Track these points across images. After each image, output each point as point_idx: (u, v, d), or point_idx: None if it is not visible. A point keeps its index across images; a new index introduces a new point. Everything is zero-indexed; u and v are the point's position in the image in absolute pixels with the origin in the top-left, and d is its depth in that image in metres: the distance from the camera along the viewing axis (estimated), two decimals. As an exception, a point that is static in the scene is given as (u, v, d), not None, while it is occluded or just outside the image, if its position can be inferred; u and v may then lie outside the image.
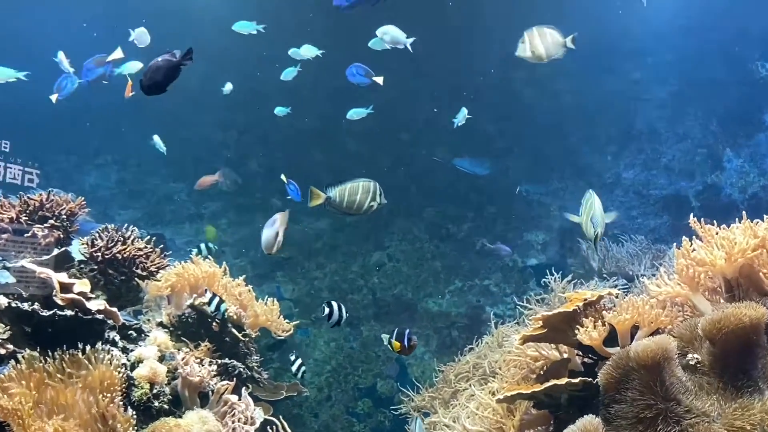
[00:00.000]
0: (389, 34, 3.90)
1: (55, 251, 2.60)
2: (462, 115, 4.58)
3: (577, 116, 6.64)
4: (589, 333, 2.08)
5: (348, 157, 6.44)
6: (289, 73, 4.77)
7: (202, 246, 4.35)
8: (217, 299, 2.75)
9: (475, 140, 6.65)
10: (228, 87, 4.92)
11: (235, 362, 2.78)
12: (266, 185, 6.58)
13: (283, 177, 3.94)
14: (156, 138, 4.78)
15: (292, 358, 3.48)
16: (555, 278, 3.95)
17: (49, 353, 2.08)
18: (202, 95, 6.72)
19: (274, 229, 3.27)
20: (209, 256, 3.19)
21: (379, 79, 4.18)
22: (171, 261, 2.95)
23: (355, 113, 4.75)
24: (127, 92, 3.56)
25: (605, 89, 6.68)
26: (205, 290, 2.81)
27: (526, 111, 6.66)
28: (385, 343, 2.86)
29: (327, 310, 2.93)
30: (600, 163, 6.63)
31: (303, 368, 3.53)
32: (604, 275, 4.74)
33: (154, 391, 2.27)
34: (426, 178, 6.56)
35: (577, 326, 2.14)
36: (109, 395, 2.04)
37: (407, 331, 2.85)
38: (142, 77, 2.22)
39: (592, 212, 2.93)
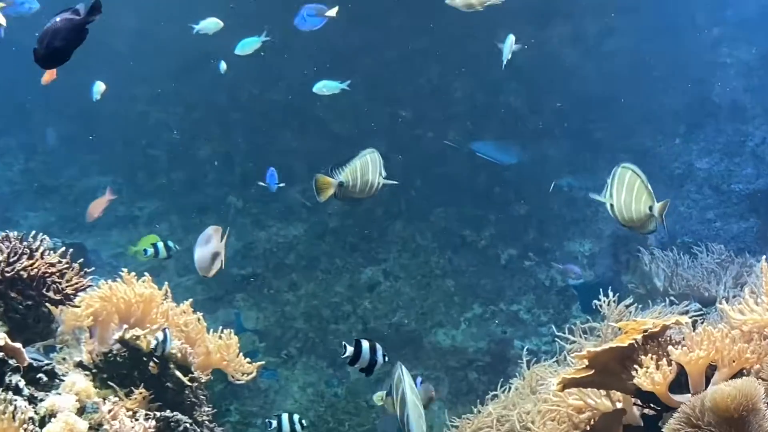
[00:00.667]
0: None
1: (-61, 268, 2.58)
2: (509, 44, 4.34)
3: (635, 86, 6.65)
4: (651, 375, 2.08)
5: (329, 140, 6.47)
6: (247, 45, 4.73)
7: (160, 245, 4.38)
8: (166, 335, 2.74)
9: (501, 118, 6.68)
10: (209, 23, 4.81)
11: (180, 415, 2.76)
12: (222, 177, 6.61)
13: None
14: (99, 85, 4.67)
15: (273, 423, 3.47)
16: (607, 301, 3.92)
17: (-69, 404, 2.07)
18: (137, 59, 6.73)
19: (210, 247, 3.36)
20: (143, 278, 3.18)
21: (333, 12, 4.26)
22: (94, 280, 2.94)
23: (325, 87, 4.71)
24: (46, 78, 3.55)
25: (672, 51, 6.69)
26: (164, 329, 2.79)
27: (568, 79, 6.68)
28: (378, 402, 2.77)
29: (349, 350, 2.86)
30: (665, 148, 6.64)
31: (297, 416, 3.52)
32: (672, 297, 4.72)
33: (72, 454, 2.26)
34: (434, 168, 6.59)
35: (635, 366, 2.15)
36: (11, 460, 2.03)
37: (419, 379, 2.78)
38: (36, 45, 2.20)
39: (637, 187, 2.91)
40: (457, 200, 6.51)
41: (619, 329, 2.40)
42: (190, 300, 3.11)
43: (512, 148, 6.58)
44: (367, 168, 3.36)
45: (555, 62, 6.67)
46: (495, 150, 6.49)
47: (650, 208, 2.85)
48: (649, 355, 2.17)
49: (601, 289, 3.99)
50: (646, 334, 2.26)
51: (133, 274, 2.96)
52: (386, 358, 2.88)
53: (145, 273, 3.04)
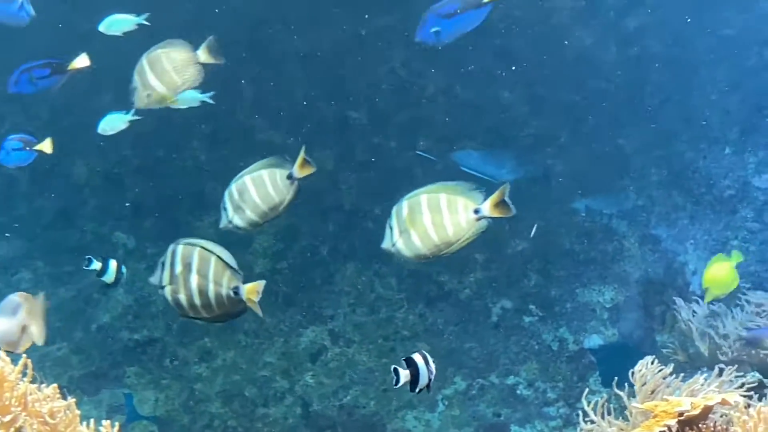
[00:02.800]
0: None
1: None
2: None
3: (670, 76, 6.75)
4: (685, 479, 2.13)
5: (254, 151, 6.21)
6: (116, 24, 4.76)
7: (112, 264, 4.36)
8: None
9: (491, 118, 6.72)
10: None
11: None
12: (106, 206, 6.58)
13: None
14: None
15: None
16: (641, 370, 3.96)
17: None
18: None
19: (16, 319, 3.43)
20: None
21: (46, 146, 4.72)
22: None
23: (181, 98, 4.62)
24: None
25: (719, 27, 6.80)
26: None
27: (581, 66, 6.75)
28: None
29: (404, 374, 3.04)
30: (711, 160, 6.72)
31: None
32: (722, 363, 4.75)
33: None
34: (400, 190, 6.37)
35: (665, 465, 2.17)
36: None
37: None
38: None
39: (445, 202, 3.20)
40: (431, 233, 6.49)
41: (647, 411, 2.42)
42: (55, 384, 3.06)
43: (506, 160, 6.64)
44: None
45: (563, 43, 6.74)
46: (483, 163, 6.53)
47: (476, 211, 3.20)
48: (686, 448, 2.18)
49: (627, 354, 3.99)
50: (682, 418, 2.31)
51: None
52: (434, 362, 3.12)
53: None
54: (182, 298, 3.16)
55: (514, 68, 6.52)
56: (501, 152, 6.64)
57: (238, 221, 3.70)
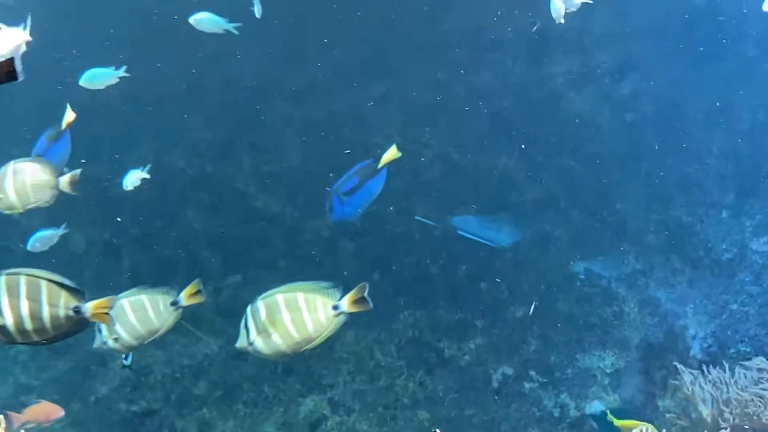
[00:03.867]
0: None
1: None
2: None
3: (665, 140, 6.84)
4: None
5: (252, 218, 6.52)
6: (98, 78, 5.04)
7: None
8: None
9: (489, 184, 6.81)
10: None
11: None
12: (103, 276, 6.56)
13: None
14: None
15: None
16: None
17: None
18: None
19: None
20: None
21: None
22: None
23: (129, 179, 5.13)
24: None
25: (713, 91, 6.89)
26: None
27: (577, 131, 6.84)
28: None
29: None
30: (708, 225, 6.79)
31: None
32: (723, 429, 4.75)
33: None
34: (398, 256, 6.64)
35: None
36: None
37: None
38: None
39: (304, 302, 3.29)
40: (430, 300, 6.52)
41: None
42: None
43: (504, 224, 6.69)
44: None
45: (558, 109, 6.84)
46: (481, 228, 6.60)
47: (335, 307, 3.26)
48: None
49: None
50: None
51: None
52: None
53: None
54: (9, 325, 3.02)
55: (512, 134, 6.58)
56: (499, 217, 6.69)
57: (111, 343, 3.73)
